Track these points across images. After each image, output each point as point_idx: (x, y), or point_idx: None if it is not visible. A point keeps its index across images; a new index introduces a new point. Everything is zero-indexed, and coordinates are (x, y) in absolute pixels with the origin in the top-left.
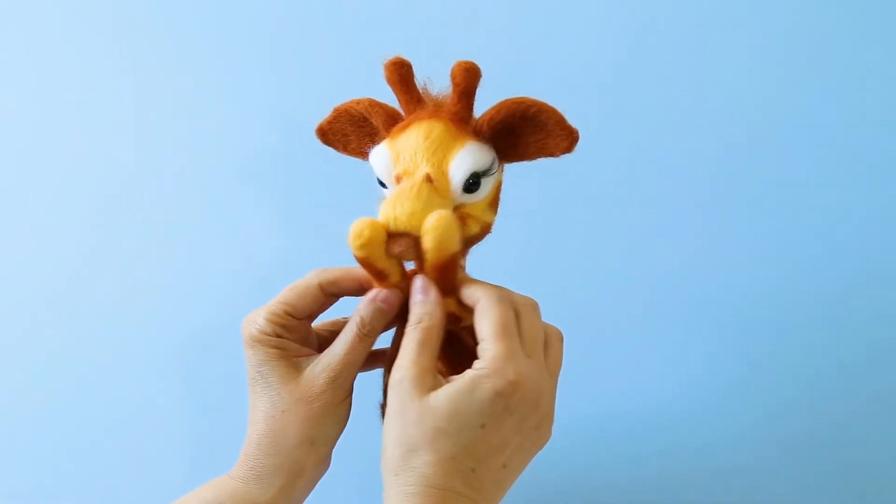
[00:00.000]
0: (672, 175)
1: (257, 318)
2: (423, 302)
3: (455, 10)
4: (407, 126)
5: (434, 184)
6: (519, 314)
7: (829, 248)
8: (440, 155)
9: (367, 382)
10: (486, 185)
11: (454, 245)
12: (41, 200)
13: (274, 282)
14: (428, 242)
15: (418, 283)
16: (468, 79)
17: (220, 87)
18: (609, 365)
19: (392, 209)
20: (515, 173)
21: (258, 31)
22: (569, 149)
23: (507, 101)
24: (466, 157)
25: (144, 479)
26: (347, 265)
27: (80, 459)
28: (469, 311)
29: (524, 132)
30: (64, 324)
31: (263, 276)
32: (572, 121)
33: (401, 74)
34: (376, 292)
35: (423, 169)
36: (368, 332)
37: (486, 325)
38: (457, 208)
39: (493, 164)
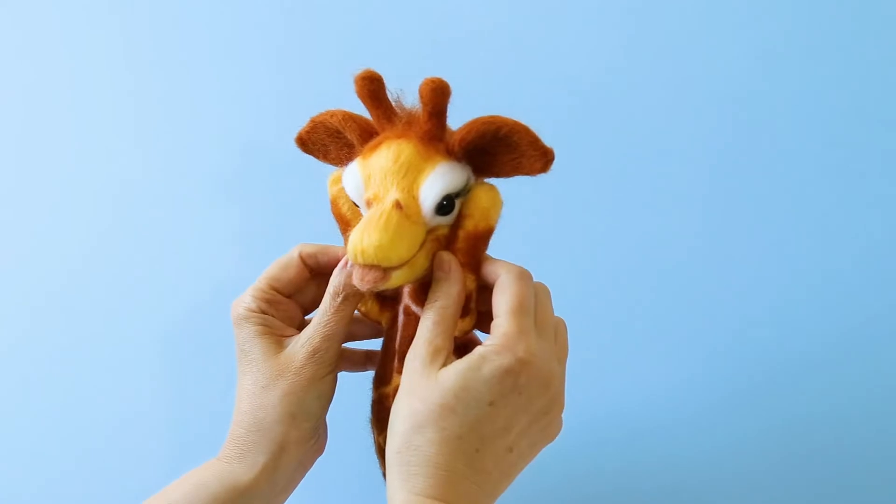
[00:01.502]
0: (674, 173)
1: (244, 297)
2: (442, 280)
3: (452, 10)
4: (378, 145)
5: (404, 210)
6: (536, 296)
7: (835, 247)
8: (410, 178)
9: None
10: (456, 204)
11: (495, 220)
12: (35, 199)
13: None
14: (471, 209)
15: (440, 259)
16: (436, 98)
17: (216, 85)
18: (609, 366)
19: (359, 240)
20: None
21: (243, 33)
22: (544, 169)
23: (477, 120)
24: (437, 180)
25: (137, 472)
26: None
27: (74, 457)
28: (486, 291)
29: (498, 152)
30: (55, 321)
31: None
32: (560, 132)
33: (371, 90)
34: (346, 259)
35: (393, 194)
36: (343, 301)
37: (503, 300)
38: (431, 231)
39: (467, 183)
